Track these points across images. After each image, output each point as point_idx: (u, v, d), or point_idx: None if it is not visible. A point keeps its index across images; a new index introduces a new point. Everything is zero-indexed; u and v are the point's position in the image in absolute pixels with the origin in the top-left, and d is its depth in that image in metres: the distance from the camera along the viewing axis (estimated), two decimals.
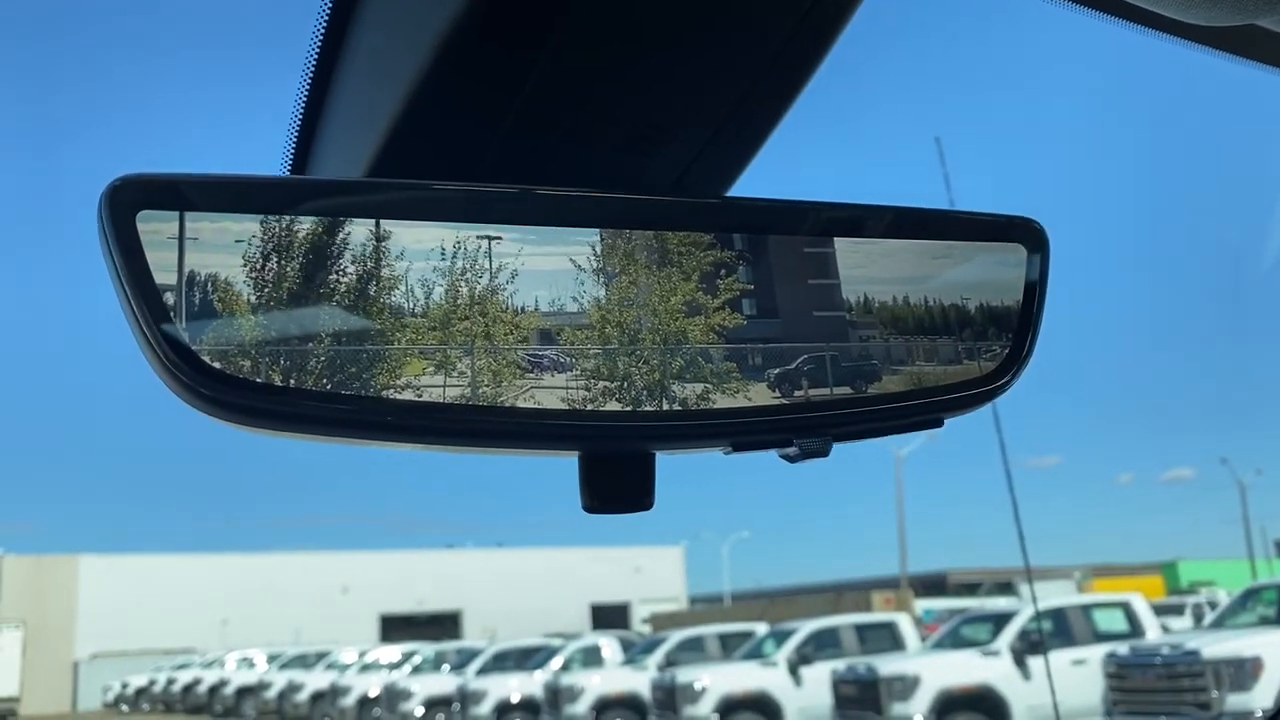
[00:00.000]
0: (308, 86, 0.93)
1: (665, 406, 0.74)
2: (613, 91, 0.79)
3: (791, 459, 0.77)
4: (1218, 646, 13.23)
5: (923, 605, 33.13)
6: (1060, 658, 15.49)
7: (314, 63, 0.90)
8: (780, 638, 19.55)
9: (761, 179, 0.88)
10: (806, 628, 19.54)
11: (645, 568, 53.33)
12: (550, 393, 0.72)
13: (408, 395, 0.68)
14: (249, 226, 0.68)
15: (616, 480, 0.75)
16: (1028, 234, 0.84)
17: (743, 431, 0.76)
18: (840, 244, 0.81)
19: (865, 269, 0.81)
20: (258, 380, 0.66)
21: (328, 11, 0.85)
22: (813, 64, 0.80)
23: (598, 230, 0.75)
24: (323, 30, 0.87)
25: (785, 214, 0.80)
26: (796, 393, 0.77)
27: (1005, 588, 36.45)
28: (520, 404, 0.70)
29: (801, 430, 0.76)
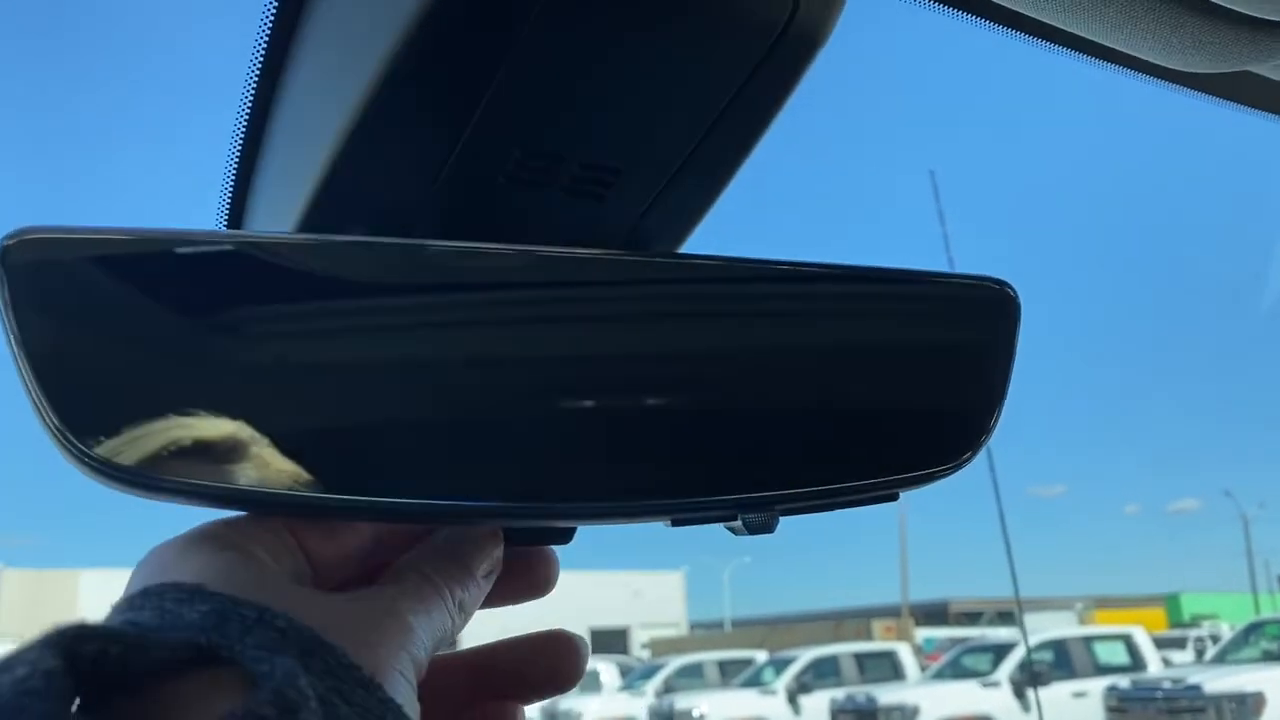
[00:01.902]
0: (241, 139, 0.89)
1: (603, 482, 0.69)
2: (557, 135, 0.74)
3: (737, 533, 0.73)
4: (1220, 681, 13.14)
5: (923, 634, 32.95)
6: (1061, 690, 15.40)
7: (248, 111, 0.86)
8: (780, 665, 19.44)
9: (717, 231, 0.84)
10: (806, 656, 19.44)
11: (645, 592, 53.12)
12: (472, 468, 0.67)
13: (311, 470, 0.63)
14: (157, 284, 0.63)
15: None
16: (997, 297, 0.79)
17: (686, 508, 0.72)
18: (797, 305, 0.76)
19: (822, 332, 0.76)
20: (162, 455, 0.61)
21: (261, 59, 0.82)
22: (778, 104, 0.75)
23: (533, 289, 0.71)
24: (255, 80, 0.83)
25: (740, 272, 0.76)
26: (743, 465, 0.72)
27: (1006, 617, 36.26)
28: (437, 483, 0.65)
29: (747, 505, 0.72)
